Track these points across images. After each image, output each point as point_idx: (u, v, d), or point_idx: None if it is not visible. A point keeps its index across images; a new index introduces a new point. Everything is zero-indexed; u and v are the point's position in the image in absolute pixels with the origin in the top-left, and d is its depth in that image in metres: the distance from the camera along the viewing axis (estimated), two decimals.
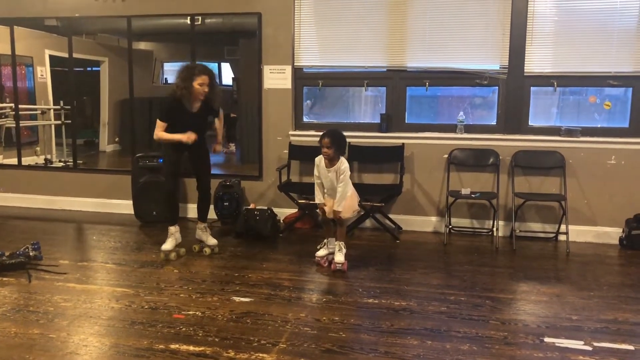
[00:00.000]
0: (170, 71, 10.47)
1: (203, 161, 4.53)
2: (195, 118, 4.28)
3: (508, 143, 5.04)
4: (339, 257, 4.11)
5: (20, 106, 6.40)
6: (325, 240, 4.30)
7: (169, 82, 10.30)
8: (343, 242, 4.16)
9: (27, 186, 6.12)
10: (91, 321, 3.17)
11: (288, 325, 3.15)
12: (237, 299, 3.52)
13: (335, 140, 3.99)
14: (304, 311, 3.37)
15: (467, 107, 5.33)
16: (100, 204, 5.92)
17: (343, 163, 4.03)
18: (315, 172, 4.13)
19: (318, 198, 4.18)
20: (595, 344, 2.94)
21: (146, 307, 3.37)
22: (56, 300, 3.48)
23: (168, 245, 4.40)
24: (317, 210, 4.38)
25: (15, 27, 6.16)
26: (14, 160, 6.34)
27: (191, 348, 2.85)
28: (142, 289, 3.68)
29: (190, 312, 3.29)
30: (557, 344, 2.93)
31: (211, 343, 2.90)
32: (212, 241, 4.59)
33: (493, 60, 5.04)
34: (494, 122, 5.19)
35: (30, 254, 4.16)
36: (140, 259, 4.35)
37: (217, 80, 4.41)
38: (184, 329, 3.07)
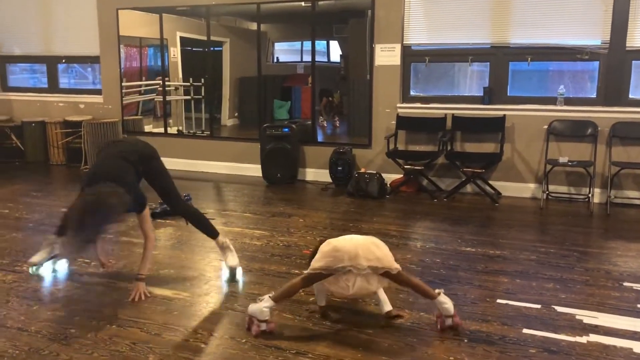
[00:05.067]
0: (281, 50, 11.32)
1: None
2: None
3: (607, 115, 5.30)
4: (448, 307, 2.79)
5: (167, 83, 7.48)
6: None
7: (280, 60, 11.17)
8: (440, 291, 2.83)
9: (172, 151, 7.18)
10: (240, 252, 3.98)
11: (397, 262, 3.79)
12: None
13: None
14: (410, 254, 4.00)
15: (568, 80, 5.62)
16: (233, 167, 6.86)
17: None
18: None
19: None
20: None
21: (281, 244, 4.17)
22: None
23: (37, 257, 3.57)
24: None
25: (148, 12, 7.14)
26: (160, 129, 7.47)
27: None
28: (276, 232, 4.49)
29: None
30: (634, 288, 3.35)
31: None
32: (232, 261, 3.57)
33: (594, 35, 5.30)
34: (594, 95, 5.46)
35: None
36: (271, 210, 5.19)
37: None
38: None
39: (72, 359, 2.55)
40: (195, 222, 3.66)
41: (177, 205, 3.59)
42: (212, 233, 3.65)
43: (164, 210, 4.95)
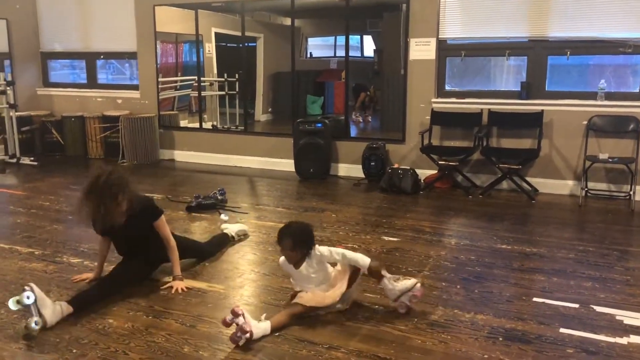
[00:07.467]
0: (314, 46, 11.32)
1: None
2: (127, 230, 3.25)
3: None
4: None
5: (202, 79, 7.55)
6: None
7: (313, 56, 11.18)
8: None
9: (207, 145, 7.29)
10: (273, 247, 4.01)
11: (430, 259, 3.77)
12: (386, 238, 4.20)
13: (298, 241, 2.90)
14: (444, 250, 3.96)
15: (609, 75, 5.46)
16: (266, 162, 6.90)
17: (315, 255, 2.93)
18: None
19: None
20: None
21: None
22: None
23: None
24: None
25: (183, 8, 7.21)
26: (195, 124, 7.56)
27: None
28: None
29: (349, 245, 4.02)
30: None
31: None
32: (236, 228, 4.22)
33: (638, 28, 5.12)
34: (637, 90, 5.29)
35: (218, 197, 5.18)
36: (303, 205, 5.20)
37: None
38: None
39: (110, 348, 2.61)
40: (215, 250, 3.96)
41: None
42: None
43: (199, 204, 5.03)
